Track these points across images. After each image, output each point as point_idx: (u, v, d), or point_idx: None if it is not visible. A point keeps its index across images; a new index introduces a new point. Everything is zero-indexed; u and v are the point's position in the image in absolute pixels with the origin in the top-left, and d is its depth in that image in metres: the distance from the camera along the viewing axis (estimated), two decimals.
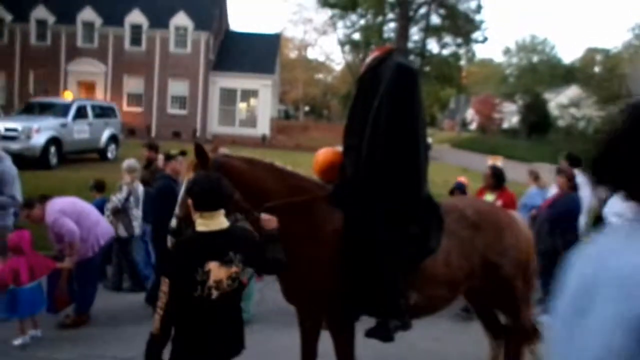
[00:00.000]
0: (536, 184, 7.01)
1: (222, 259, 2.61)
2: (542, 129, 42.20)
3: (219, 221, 2.69)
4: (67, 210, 5.13)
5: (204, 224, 2.67)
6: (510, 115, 53.75)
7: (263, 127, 29.79)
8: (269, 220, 3.02)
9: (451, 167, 21.05)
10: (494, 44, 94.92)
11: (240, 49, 30.68)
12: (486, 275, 3.58)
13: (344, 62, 52.12)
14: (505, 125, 54.58)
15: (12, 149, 14.07)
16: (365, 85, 3.53)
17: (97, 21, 28.99)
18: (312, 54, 54.64)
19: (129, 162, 6.56)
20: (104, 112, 17.94)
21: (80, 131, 16.24)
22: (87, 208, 5.53)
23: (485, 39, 34.83)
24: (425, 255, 3.38)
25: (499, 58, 78.53)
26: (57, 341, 4.88)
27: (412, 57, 36.05)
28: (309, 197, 3.35)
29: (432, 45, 36.65)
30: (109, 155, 17.46)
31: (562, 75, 55.86)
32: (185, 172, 3.31)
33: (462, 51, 36.25)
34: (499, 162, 11.59)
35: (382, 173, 3.32)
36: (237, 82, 29.67)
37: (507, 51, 63.32)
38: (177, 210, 3.13)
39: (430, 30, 35.18)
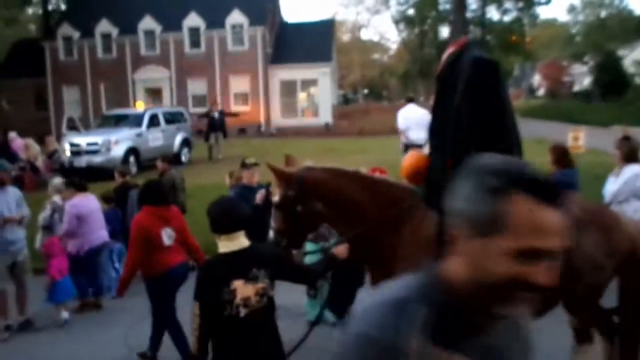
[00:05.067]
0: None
1: (246, 276, 2.69)
2: (618, 89, 39.61)
3: (239, 241, 2.79)
4: (79, 207, 6.27)
5: (224, 245, 2.79)
6: (581, 77, 50.88)
7: (325, 115, 29.81)
8: (340, 251, 3.14)
9: (527, 140, 20.14)
10: (557, 2, 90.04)
11: (296, 39, 30.76)
12: (593, 278, 3.33)
13: (400, 40, 51.17)
14: (577, 88, 51.71)
15: (95, 162, 14.92)
16: (444, 83, 3.39)
17: (157, 28, 29.95)
18: (366, 35, 53.97)
19: (55, 182, 6.99)
20: (174, 118, 18.58)
21: (154, 139, 16.91)
22: (94, 214, 6.45)
23: (548, 0, 33.08)
24: None
25: (563, 17, 74.45)
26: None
27: (471, 27, 34.79)
28: (399, 209, 3.19)
29: (492, 13, 35.20)
30: (183, 158, 18.08)
31: (635, 28, 52.01)
32: (276, 189, 3.35)
33: (524, 16, 34.55)
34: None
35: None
36: (296, 72, 29.80)
37: (571, 9, 59.82)
38: (272, 223, 3.20)
39: None
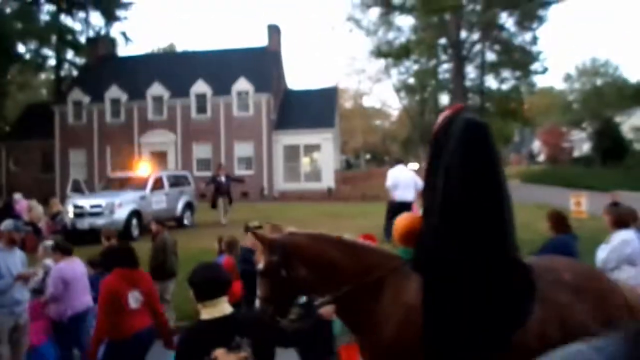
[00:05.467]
0: (635, 225, 6.50)
1: (228, 345, 2.64)
2: (617, 155, 40.14)
3: (222, 308, 2.77)
4: (64, 271, 6.06)
5: (207, 312, 2.76)
6: (580, 142, 51.63)
7: (328, 180, 30.07)
8: (327, 311, 3.21)
9: (527, 205, 20.16)
10: (553, 71, 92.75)
11: (300, 106, 31.57)
12: None
13: (401, 107, 52.39)
14: (576, 153, 52.34)
15: (98, 225, 14.94)
16: (437, 145, 3.45)
17: (165, 94, 30.83)
18: (368, 102, 55.34)
19: (47, 244, 6.93)
20: (178, 181, 18.75)
21: (158, 202, 16.99)
22: (78, 279, 6.24)
23: (545, 70, 34.06)
24: (516, 328, 3.00)
25: (559, 85, 76.33)
26: None
27: (470, 95, 35.70)
28: (379, 275, 3.21)
29: (491, 82, 36.21)
30: (186, 222, 18.08)
31: (631, 95, 53.36)
32: (259, 257, 3.39)
33: (522, 84, 35.51)
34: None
35: (458, 233, 3.10)
36: (299, 138, 30.35)
37: (567, 77, 61.54)
38: (257, 292, 3.20)
39: (486, 67, 34.85)
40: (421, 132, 48.54)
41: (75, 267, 6.34)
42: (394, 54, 35.73)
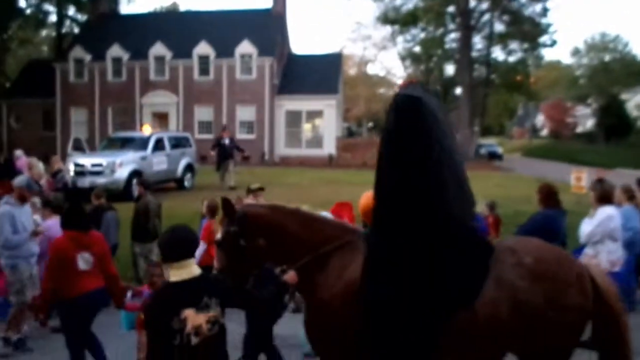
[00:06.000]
0: (630, 202, 6.51)
1: (197, 305, 2.70)
2: (621, 132, 39.94)
3: (190, 270, 2.80)
4: (52, 229, 5.96)
5: (175, 274, 2.79)
6: (584, 118, 51.32)
7: (329, 147, 30.00)
8: (290, 277, 3.20)
9: (527, 178, 20.18)
10: (561, 45, 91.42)
11: (303, 71, 31.23)
12: (546, 337, 3.03)
13: (405, 75, 51.83)
14: (580, 129, 52.07)
15: (99, 184, 14.98)
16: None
17: (168, 55, 30.46)
18: (372, 69, 54.75)
19: (34, 200, 6.92)
20: (179, 143, 18.70)
21: (159, 162, 16.99)
22: None
23: (553, 43, 33.72)
24: (461, 308, 2.93)
25: (567, 59, 75.42)
26: None
27: (476, 66, 35.30)
28: (332, 247, 3.24)
29: (497, 53, 35.76)
30: (186, 184, 18.11)
31: (639, 73, 52.74)
32: (218, 227, 3.46)
33: (529, 57, 35.06)
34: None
35: (391, 211, 3.04)
36: (302, 104, 30.14)
37: (575, 52, 60.71)
38: (215, 264, 3.24)
39: (494, 38, 34.35)
40: None
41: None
42: (401, 20, 35.19)
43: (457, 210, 3.07)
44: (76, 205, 5.20)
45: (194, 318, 2.68)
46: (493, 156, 36.40)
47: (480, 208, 7.24)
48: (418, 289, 2.94)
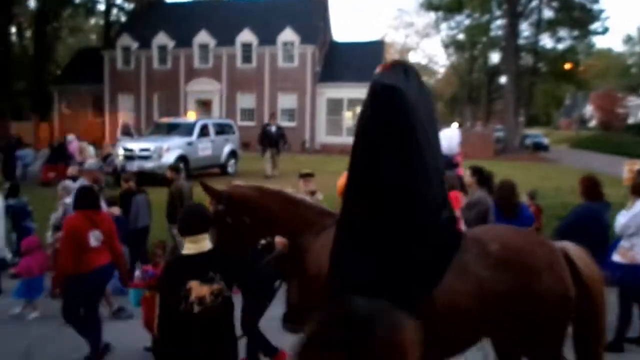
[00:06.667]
0: None
1: (202, 278, 2.94)
2: None
3: (202, 245, 3.06)
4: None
5: (188, 247, 3.07)
6: (636, 109, 49.24)
7: None
8: (280, 242, 3.46)
9: (574, 170, 19.61)
10: (613, 32, 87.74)
11: (345, 59, 31.11)
12: (514, 327, 2.99)
13: (448, 64, 50.95)
14: (631, 120, 50.03)
15: (146, 168, 15.43)
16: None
17: (212, 43, 30.88)
18: (414, 57, 53.96)
19: (66, 183, 7.35)
20: (223, 129, 19.01)
21: (204, 148, 17.33)
22: None
23: (605, 30, 32.35)
24: (419, 297, 2.91)
25: (618, 47, 72.39)
26: None
27: (522, 55, 34.34)
28: (307, 233, 3.38)
29: (545, 41, 34.63)
30: (229, 169, 18.42)
31: None
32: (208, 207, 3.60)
33: (579, 44, 33.82)
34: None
35: (360, 196, 3.08)
36: (343, 92, 30.06)
37: (628, 39, 58.32)
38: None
39: (542, 25, 33.27)
40: (469, 91, 47.30)
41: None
42: (445, 7, 34.53)
43: (428, 199, 3.06)
44: (87, 187, 5.55)
45: (198, 289, 2.92)
46: (538, 147, 35.41)
47: (523, 198, 7.11)
48: (378, 273, 2.96)
